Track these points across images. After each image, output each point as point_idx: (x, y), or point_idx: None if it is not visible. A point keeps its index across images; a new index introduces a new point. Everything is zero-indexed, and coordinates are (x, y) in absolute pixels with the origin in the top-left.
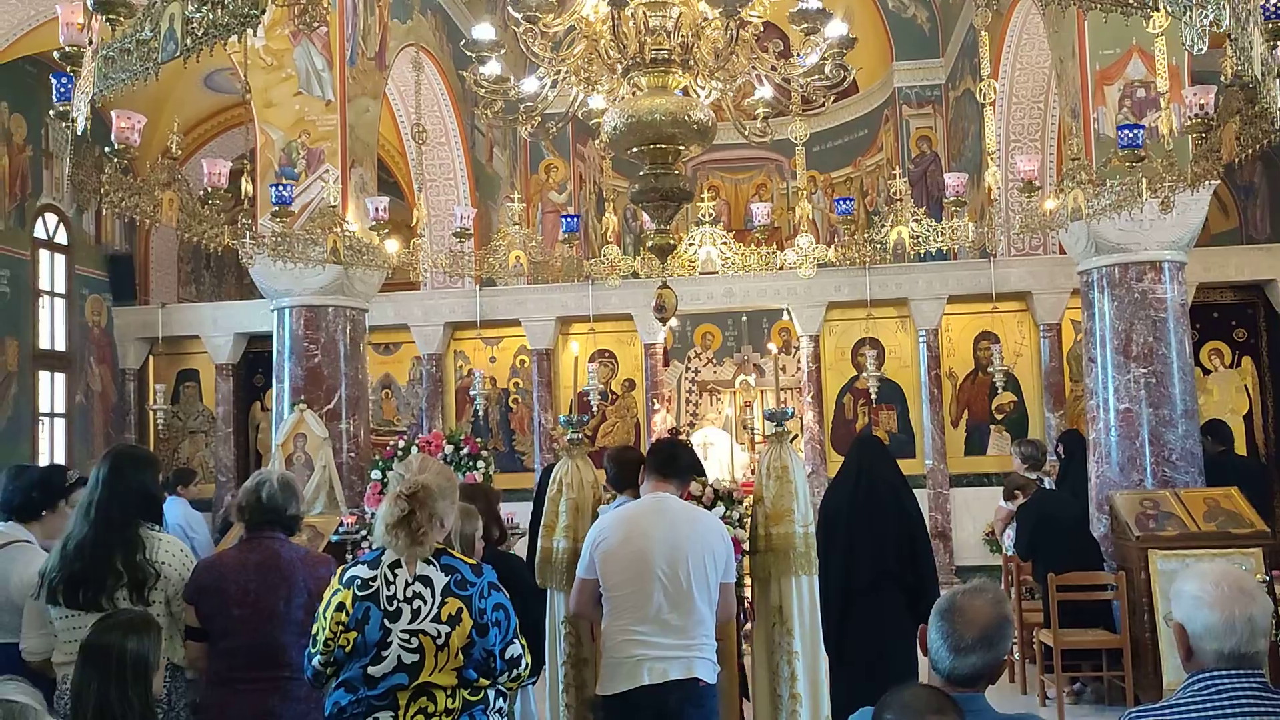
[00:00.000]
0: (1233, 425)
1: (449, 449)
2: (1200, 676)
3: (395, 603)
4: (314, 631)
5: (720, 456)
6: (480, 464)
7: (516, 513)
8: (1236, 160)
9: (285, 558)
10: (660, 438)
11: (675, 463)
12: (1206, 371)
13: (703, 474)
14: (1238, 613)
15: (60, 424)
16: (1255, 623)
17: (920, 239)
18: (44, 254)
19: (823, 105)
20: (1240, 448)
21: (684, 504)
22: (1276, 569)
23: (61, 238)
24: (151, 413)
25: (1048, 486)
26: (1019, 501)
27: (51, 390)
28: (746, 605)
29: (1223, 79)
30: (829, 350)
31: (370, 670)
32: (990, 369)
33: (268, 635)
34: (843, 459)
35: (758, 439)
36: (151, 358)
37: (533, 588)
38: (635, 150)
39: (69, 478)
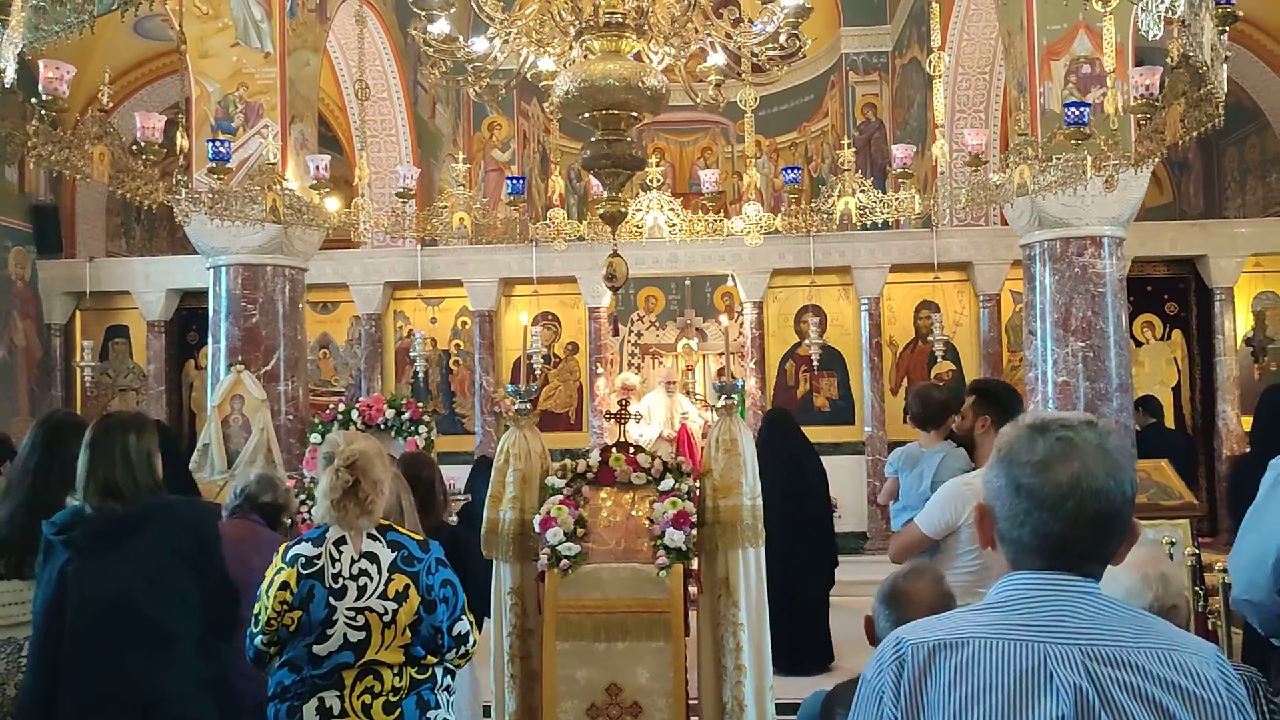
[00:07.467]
0: (1161, 398)
1: (390, 413)
2: None
3: (341, 580)
4: (255, 611)
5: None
6: (422, 429)
7: (457, 477)
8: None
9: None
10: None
11: None
12: (1138, 344)
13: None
14: (1150, 571)
15: None
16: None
17: (867, 210)
18: None
19: (776, 76)
20: (1169, 420)
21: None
22: (1203, 539)
23: None
24: (78, 369)
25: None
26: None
27: None
28: (693, 575)
29: (1169, 61)
30: (772, 316)
31: (315, 649)
32: (930, 338)
33: None
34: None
35: (698, 402)
36: (79, 313)
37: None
38: (587, 115)
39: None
